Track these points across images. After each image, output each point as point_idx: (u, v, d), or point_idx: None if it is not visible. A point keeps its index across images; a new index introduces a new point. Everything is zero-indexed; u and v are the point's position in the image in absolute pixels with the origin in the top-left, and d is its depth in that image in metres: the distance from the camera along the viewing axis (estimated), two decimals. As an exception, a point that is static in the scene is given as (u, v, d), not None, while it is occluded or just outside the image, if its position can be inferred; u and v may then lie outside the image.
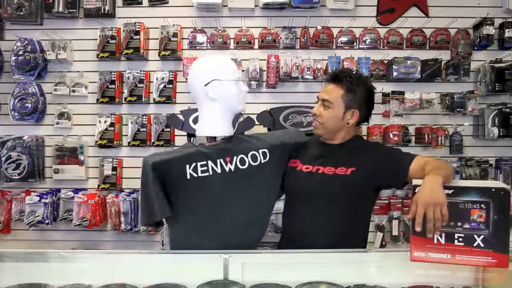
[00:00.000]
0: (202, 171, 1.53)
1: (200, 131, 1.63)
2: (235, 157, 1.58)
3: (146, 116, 3.06)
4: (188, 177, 1.52)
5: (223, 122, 1.61)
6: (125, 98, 3.05)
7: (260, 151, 1.64)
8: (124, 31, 3.01)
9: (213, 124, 1.60)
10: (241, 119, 2.90)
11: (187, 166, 1.53)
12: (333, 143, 1.77)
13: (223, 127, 1.61)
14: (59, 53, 3.00)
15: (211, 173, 1.54)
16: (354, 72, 1.86)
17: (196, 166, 1.53)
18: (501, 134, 2.97)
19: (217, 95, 1.56)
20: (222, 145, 1.60)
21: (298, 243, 1.67)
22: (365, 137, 3.04)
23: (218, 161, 1.55)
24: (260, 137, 1.74)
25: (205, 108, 1.61)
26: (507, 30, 3.00)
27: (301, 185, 1.74)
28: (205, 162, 1.54)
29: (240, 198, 1.58)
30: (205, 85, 1.56)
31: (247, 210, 1.59)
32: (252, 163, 1.60)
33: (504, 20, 3.03)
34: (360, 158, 1.69)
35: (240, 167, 1.58)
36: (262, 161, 1.63)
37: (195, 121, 2.96)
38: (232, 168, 1.57)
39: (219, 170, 1.55)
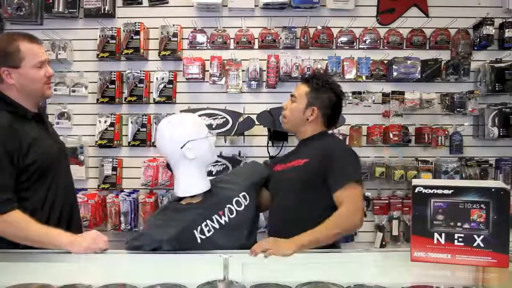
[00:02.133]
0: (208, 231, 1.61)
1: (182, 192, 1.65)
2: (225, 209, 1.67)
3: (146, 116, 3.06)
4: (199, 241, 1.59)
5: (200, 178, 1.67)
6: (125, 98, 3.05)
7: (241, 195, 1.73)
8: (124, 31, 3.01)
9: (193, 183, 1.65)
10: (241, 119, 2.92)
11: (195, 231, 1.59)
12: (301, 139, 1.91)
13: (202, 184, 1.66)
14: (59, 53, 3.01)
15: (213, 231, 1.62)
16: (326, 77, 2.01)
17: (202, 229, 1.60)
18: (501, 134, 2.97)
19: (194, 154, 1.61)
20: (209, 201, 1.66)
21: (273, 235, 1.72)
22: (364, 137, 3.05)
23: (213, 218, 1.63)
24: (232, 179, 1.81)
25: (182, 168, 1.64)
26: (507, 30, 3.00)
27: (273, 182, 1.89)
28: (205, 223, 1.62)
29: (238, 240, 1.65)
30: (181, 148, 1.60)
31: (240, 246, 1.63)
32: (238, 209, 1.69)
33: (504, 20, 3.04)
34: (314, 152, 1.79)
35: (231, 216, 1.67)
36: (245, 204, 1.72)
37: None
38: (227, 219, 1.65)
39: (217, 226, 1.63)
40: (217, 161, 2.83)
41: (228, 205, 1.68)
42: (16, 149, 1.55)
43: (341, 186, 1.66)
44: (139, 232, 1.75)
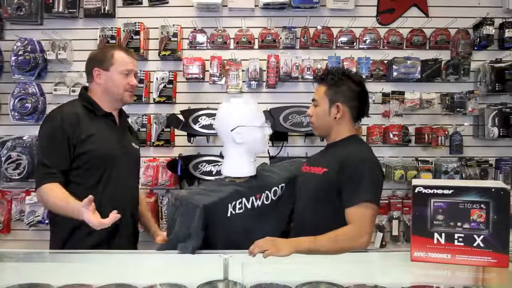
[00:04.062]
0: (239, 208, 1.67)
1: (227, 171, 1.76)
2: (263, 194, 1.74)
3: (146, 116, 3.06)
4: (229, 214, 1.64)
5: (247, 164, 1.74)
6: (125, 98, 3.05)
7: (280, 185, 1.80)
8: (124, 31, 3.01)
9: (239, 165, 1.74)
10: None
11: (229, 205, 1.65)
12: (329, 143, 1.84)
13: (248, 168, 1.74)
14: (59, 53, 3.00)
15: (243, 209, 1.68)
16: (340, 69, 1.87)
17: (235, 204, 1.66)
18: (501, 134, 2.97)
19: (243, 139, 1.68)
20: (251, 183, 1.74)
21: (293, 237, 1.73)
22: (364, 138, 3.04)
23: (250, 198, 1.70)
24: (275, 170, 1.90)
25: (231, 150, 1.73)
26: (507, 30, 3.00)
27: (297, 182, 1.86)
28: (240, 200, 1.68)
29: (265, 228, 1.69)
30: (231, 130, 1.68)
31: (263, 234, 1.62)
32: (273, 197, 1.77)
33: (504, 20, 3.03)
34: (333, 161, 1.69)
35: (265, 202, 1.74)
36: (280, 194, 1.80)
37: (195, 121, 2.97)
38: (260, 203, 1.72)
39: (249, 206, 1.70)
40: (217, 161, 2.83)
41: (266, 191, 1.75)
42: (74, 135, 1.77)
43: (352, 204, 1.59)
44: (178, 194, 1.67)
